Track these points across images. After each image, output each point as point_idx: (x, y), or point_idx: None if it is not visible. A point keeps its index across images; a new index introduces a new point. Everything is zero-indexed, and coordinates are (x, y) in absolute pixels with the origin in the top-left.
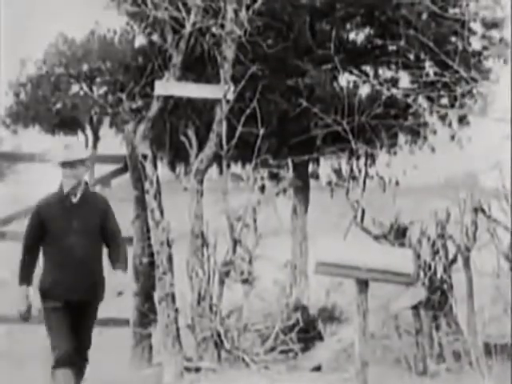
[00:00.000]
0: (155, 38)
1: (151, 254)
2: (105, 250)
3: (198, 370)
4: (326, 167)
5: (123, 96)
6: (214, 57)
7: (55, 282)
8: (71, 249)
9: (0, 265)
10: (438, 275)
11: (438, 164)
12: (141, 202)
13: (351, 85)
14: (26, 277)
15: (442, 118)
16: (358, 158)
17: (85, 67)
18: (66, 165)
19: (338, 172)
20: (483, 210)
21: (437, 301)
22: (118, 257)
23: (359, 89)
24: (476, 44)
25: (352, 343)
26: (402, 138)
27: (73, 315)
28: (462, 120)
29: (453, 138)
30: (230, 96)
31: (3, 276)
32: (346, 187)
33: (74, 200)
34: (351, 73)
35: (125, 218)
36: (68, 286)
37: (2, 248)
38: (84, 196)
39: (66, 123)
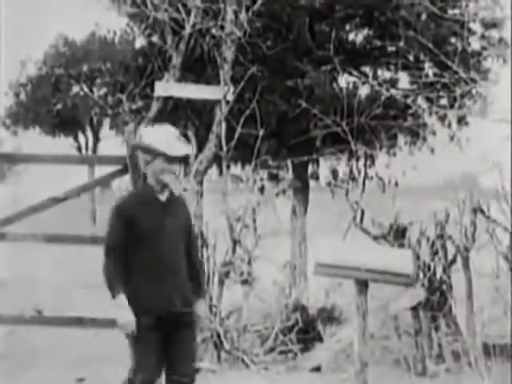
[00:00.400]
0: (155, 39)
1: None
2: None
3: (197, 370)
4: (325, 168)
5: (123, 97)
6: (214, 58)
7: (147, 293)
8: (163, 253)
9: (0, 265)
10: (438, 276)
11: (438, 165)
12: None
13: (350, 86)
14: (119, 284)
15: (442, 118)
16: (357, 159)
17: (85, 68)
18: (169, 160)
19: (334, 173)
20: (482, 211)
21: (436, 301)
22: (198, 287)
23: (358, 90)
24: (475, 44)
25: (351, 344)
26: (401, 139)
27: (167, 333)
28: (462, 121)
29: (452, 138)
30: (230, 97)
31: (4, 276)
32: (345, 188)
33: (163, 199)
34: (350, 74)
35: None
36: (163, 297)
37: (2, 249)
38: (171, 196)
39: (66, 124)
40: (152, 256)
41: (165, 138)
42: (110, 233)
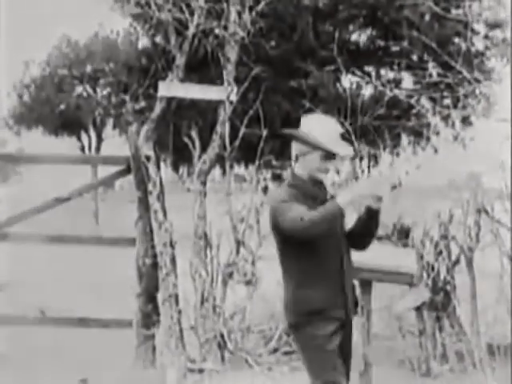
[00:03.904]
0: (158, 39)
1: (154, 255)
2: None
3: (201, 371)
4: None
5: (126, 97)
6: (218, 58)
7: (328, 296)
8: (333, 250)
9: (4, 266)
10: (442, 276)
11: (441, 165)
12: (144, 203)
13: (354, 86)
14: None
15: (445, 118)
16: (360, 159)
17: (88, 69)
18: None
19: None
20: (486, 211)
21: (440, 302)
22: None
23: (362, 90)
24: (479, 44)
25: (355, 344)
26: (404, 139)
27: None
28: (465, 120)
29: (456, 138)
30: (233, 97)
31: (7, 277)
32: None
33: (321, 196)
34: (354, 74)
35: (128, 219)
36: (344, 300)
37: (4, 249)
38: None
39: (70, 124)
40: (323, 257)
41: (327, 131)
42: (293, 209)
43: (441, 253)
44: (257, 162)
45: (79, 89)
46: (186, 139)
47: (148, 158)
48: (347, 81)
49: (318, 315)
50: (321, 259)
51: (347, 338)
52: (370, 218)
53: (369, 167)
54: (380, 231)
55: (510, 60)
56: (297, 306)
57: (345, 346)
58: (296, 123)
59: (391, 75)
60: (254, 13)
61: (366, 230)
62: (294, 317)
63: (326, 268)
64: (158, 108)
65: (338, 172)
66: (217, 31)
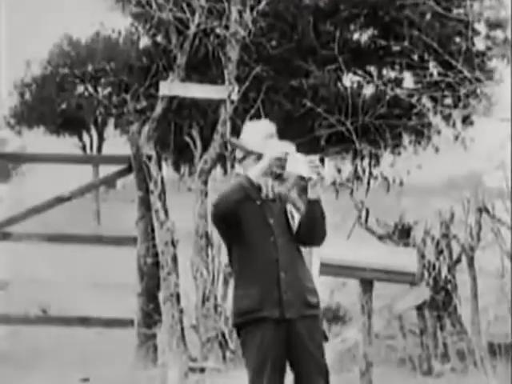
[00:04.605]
0: (159, 38)
1: (156, 255)
2: None
3: (202, 370)
4: (330, 167)
5: (128, 97)
6: (219, 57)
7: (259, 294)
8: (264, 245)
9: (5, 265)
10: (443, 275)
11: (442, 164)
12: (145, 203)
13: (355, 85)
14: None
15: (446, 118)
16: (362, 158)
17: (89, 68)
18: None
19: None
20: (487, 210)
21: (441, 301)
22: None
23: (363, 89)
24: (480, 44)
25: (356, 343)
26: (406, 138)
27: None
28: (466, 120)
29: (457, 138)
30: (235, 96)
31: (9, 276)
32: (349, 187)
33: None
34: (355, 73)
35: (129, 219)
36: (279, 297)
37: (6, 249)
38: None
39: (71, 124)
40: None
41: (255, 135)
42: None
43: (442, 252)
44: None
45: (80, 88)
46: (187, 139)
47: (149, 158)
48: (348, 80)
49: (250, 315)
50: (252, 256)
51: (295, 340)
52: (311, 208)
53: (370, 166)
54: (381, 230)
55: (511, 61)
56: (233, 306)
57: (293, 349)
58: (297, 122)
59: (392, 74)
60: (254, 12)
61: (310, 223)
62: (233, 318)
63: (258, 264)
64: (159, 107)
65: (339, 171)
66: (218, 31)
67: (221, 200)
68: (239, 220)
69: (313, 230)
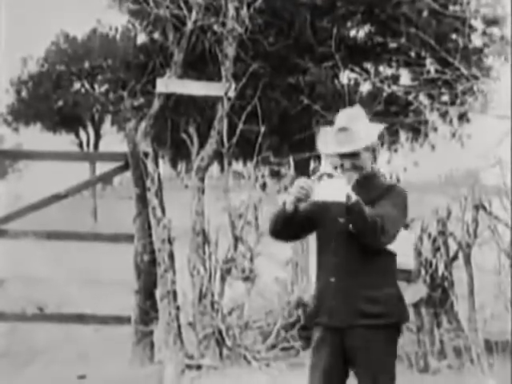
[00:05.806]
0: (156, 35)
1: (152, 252)
2: None
3: (199, 367)
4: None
5: (125, 93)
6: (215, 54)
7: (318, 299)
8: (327, 251)
9: (1, 262)
10: (439, 272)
11: (439, 161)
12: (142, 200)
13: (352, 82)
14: None
15: (443, 115)
16: None
17: (86, 65)
18: None
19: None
20: (484, 207)
21: (438, 298)
22: None
23: (360, 86)
24: (477, 41)
25: None
26: (402, 136)
27: None
28: (463, 117)
29: (453, 135)
30: (231, 93)
31: (5, 274)
32: None
33: None
34: (352, 70)
35: (126, 216)
36: (329, 303)
37: (3, 246)
38: None
39: (68, 121)
40: None
41: (323, 136)
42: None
43: (439, 249)
44: (255, 159)
45: (77, 85)
46: (184, 136)
47: (146, 155)
48: (345, 77)
49: (310, 319)
50: (320, 258)
51: (348, 351)
52: (349, 214)
53: None
54: None
55: (510, 59)
56: (310, 302)
57: (349, 361)
58: (294, 119)
59: (389, 72)
60: (251, 9)
61: (353, 227)
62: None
63: (322, 268)
64: (156, 104)
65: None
66: (215, 27)
67: (271, 220)
68: (313, 223)
69: (360, 232)
